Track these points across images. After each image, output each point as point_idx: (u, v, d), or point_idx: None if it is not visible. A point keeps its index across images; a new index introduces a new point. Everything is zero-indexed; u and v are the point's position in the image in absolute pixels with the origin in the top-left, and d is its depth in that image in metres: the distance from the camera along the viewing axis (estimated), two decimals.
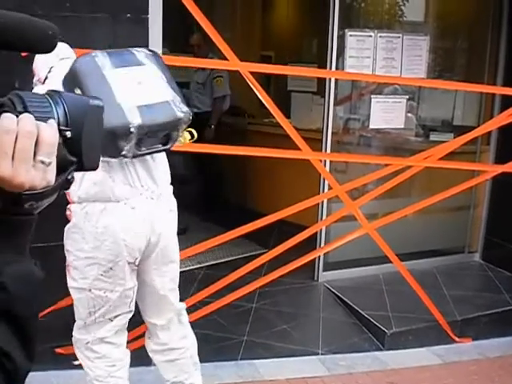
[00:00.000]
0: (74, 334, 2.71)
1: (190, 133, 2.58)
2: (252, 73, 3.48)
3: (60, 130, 0.86)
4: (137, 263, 2.59)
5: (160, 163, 2.62)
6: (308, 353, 3.95)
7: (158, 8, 3.28)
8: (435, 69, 5.29)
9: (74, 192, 2.45)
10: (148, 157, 2.52)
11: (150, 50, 2.53)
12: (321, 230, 4.75)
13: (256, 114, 7.08)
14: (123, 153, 2.31)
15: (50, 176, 0.84)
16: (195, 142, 3.69)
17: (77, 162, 0.94)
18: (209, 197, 6.55)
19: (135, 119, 2.26)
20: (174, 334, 2.82)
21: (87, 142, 0.97)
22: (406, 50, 4.82)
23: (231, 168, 6.42)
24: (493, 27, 5.33)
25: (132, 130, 2.25)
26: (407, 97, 5.01)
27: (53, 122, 0.82)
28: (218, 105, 6.31)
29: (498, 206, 5.39)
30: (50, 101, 0.87)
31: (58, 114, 0.87)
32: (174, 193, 5.55)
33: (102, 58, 2.33)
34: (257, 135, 6.46)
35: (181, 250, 3.48)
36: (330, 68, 4.61)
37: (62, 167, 0.89)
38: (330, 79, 4.65)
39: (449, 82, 5.09)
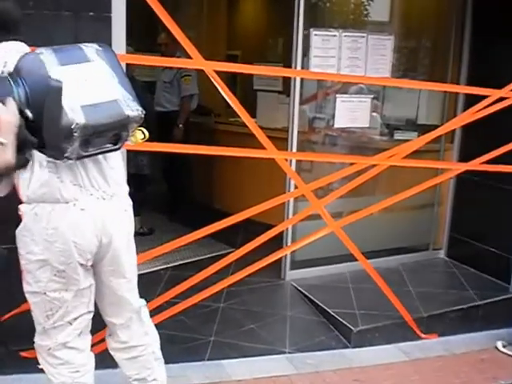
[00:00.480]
0: (35, 339, 2.65)
1: (142, 132, 2.52)
2: (218, 72, 3.46)
3: (21, 111, 0.84)
4: (89, 264, 2.54)
5: (113, 163, 2.55)
6: (275, 352, 3.94)
7: (122, 6, 3.24)
8: (400, 68, 5.34)
9: (23, 192, 2.39)
10: (100, 156, 2.45)
11: (101, 45, 2.43)
12: (287, 229, 4.77)
13: (222, 114, 7.08)
14: (66, 154, 2.22)
15: (8, 156, 0.83)
16: (163, 141, 3.69)
17: (38, 141, 0.93)
18: (176, 197, 6.52)
19: (79, 119, 2.16)
20: (135, 332, 2.78)
21: (48, 122, 0.95)
22: (371, 50, 4.85)
23: (198, 167, 6.41)
24: (456, 27, 5.39)
25: (75, 130, 2.16)
26: (372, 96, 5.05)
27: (11, 101, 0.80)
28: (186, 104, 6.28)
29: (461, 204, 5.47)
30: (11, 81, 0.85)
31: (18, 94, 0.86)
32: (140, 193, 5.54)
33: (47, 55, 2.22)
34: (224, 134, 6.46)
35: (147, 250, 3.49)
36: (295, 67, 4.62)
37: (23, 147, 0.87)
38: (295, 78, 4.66)
39: (413, 81, 5.14)
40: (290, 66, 4.68)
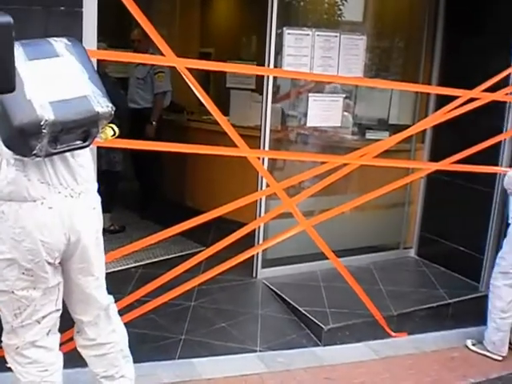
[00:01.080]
0: (2, 339, 2.62)
1: (112, 129, 2.49)
2: (191, 69, 3.45)
3: None
4: (57, 262, 2.51)
5: (82, 160, 2.52)
6: (246, 350, 3.94)
7: (93, 1, 3.19)
8: (372, 68, 5.37)
9: None
10: (68, 154, 2.42)
11: (70, 40, 2.39)
12: (259, 228, 4.77)
13: (195, 111, 7.05)
14: (34, 152, 2.20)
15: None
16: (136, 138, 3.66)
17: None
18: (148, 194, 6.48)
19: (47, 116, 2.14)
20: (102, 329, 2.77)
21: None
22: (344, 49, 4.87)
23: (171, 165, 6.38)
24: (428, 27, 5.44)
25: (44, 127, 2.14)
26: (344, 95, 5.08)
27: None
28: (159, 101, 6.24)
29: (432, 203, 5.52)
30: None
31: None
32: (112, 190, 5.50)
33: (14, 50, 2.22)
34: (196, 132, 6.44)
35: (118, 247, 3.46)
36: (268, 66, 4.62)
37: None
38: (268, 77, 4.66)
39: (385, 81, 5.18)
40: (263, 65, 4.68)
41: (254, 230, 4.68)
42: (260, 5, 4.65)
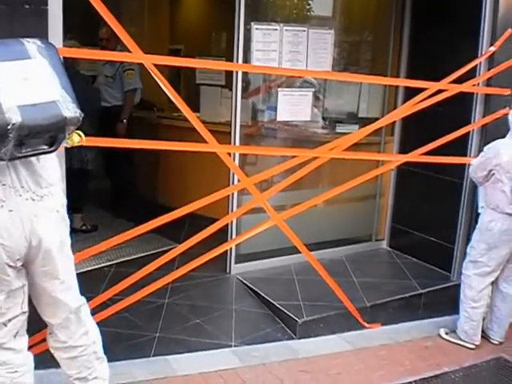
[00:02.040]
0: None
1: (79, 135, 2.48)
2: (161, 67, 3.44)
3: None
4: (18, 265, 2.49)
5: (46, 162, 2.50)
6: (221, 346, 3.95)
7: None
8: (340, 62, 5.40)
9: None
10: (33, 157, 2.40)
11: (43, 42, 2.37)
12: (232, 223, 4.77)
13: (166, 108, 7.02)
14: None
15: None
16: (106, 136, 3.63)
17: None
18: (120, 193, 6.44)
19: (14, 119, 2.12)
20: (74, 332, 2.74)
21: None
22: (312, 44, 4.88)
23: (142, 163, 6.34)
24: (395, 21, 5.49)
25: (10, 130, 2.12)
26: (313, 90, 5.09)
27: None
28: (129, 98, 6.20)
29: (402, 195, 5.58)
30: None
31: None
32: (83, 189, 5.46)
33: None
34: (167, 129, 6.41)
35: (90, 246, 3.44)
36: (237, 61, 4.61)
37: None
38: (237, 72, 4.66)
39: (354, 74, 5.20)
40: (232, 60, 4.68)
41: (227, 226, 4.69)
42: (228, 0, 4.65)
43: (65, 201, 2.62)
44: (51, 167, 2.53)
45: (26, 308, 2.61)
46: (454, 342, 4.29)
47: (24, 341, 2.66)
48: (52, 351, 2.82)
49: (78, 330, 2.76)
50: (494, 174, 4.03)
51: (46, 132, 2.28)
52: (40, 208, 2.46)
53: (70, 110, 2.29)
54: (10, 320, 2.54)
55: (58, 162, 2.62)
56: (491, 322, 4.31)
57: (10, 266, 2.45)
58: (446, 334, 4.37)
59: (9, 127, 2.12)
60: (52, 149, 2.36)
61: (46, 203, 2.48)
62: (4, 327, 2.54)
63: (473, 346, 4.23)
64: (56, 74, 2.31)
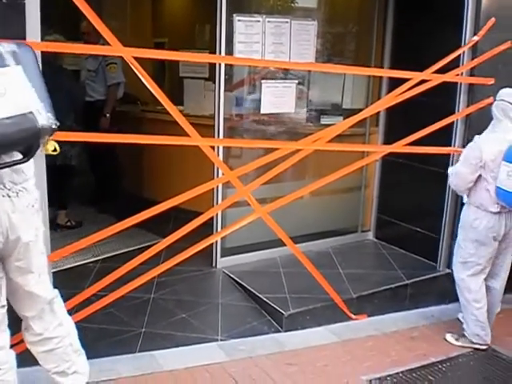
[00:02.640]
0: None
1: (53, 144, 2.46)
2: (145, 60, 3.41)
3: None
4: None
5: None
6: (208, 340, 3.94)
7: None
8: (324, 53, 5.38)
9: None
10: None
11: (20, 46, 2.32)
12: (216, 217, 4.75)
13: (150, 102, 6.97)
14: None
15: None
16: (90, 131, 3.60)
17: None
18: (105, 188, 6.40)
19: None
20: (48, 323, 2.77)
21: None
22: (295, 35, 4.86)
23: (126, 157, 6.30)
24: (379, 12, 5.49)
25: None
26: (297, 81, 5.08)
27: None
28: (112, 92, 6.15)
29: (387, 186, 5.58)
30: None
31: None
32: (67, 185, 5.42)
33: None
34: (151, 123, 6.37)
35: (73, 242, 3.41)
36: (220, 53, 4.58)
37: None
38: (219, 65, 4.63)
39: (337, 65, 5.18)
40: (215, 53, 4.64)
41: (212, 220, 4.67)
42: None
43: (38, 195, 2.63)
44: (26, 164, 2.51)
45: (3, 302, 2.62)
46: (467, 347, 4.16)
47: (6, 337, 2.66)
48: (29, 347, 2.84)
49: (53, 321, 2.79)
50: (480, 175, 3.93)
51: (20, 144, 2.29)
52: (16, 204, 2.47)
53: (45, 119, 2.27)
54: None
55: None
56: None
57: None
58: (457, 340, 4.23)
59: None
60: (26, 159, 2.36)
61: (21, 199, 2.49)
62: None
63: (486, 347, 4.14)
64: (32, 82, 2.28)
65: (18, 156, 2.35)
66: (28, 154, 2.35)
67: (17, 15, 3.02)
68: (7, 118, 2.18)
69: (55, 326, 2.78)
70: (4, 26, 2.99)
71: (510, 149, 3.74)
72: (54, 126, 2.31)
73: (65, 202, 5.57)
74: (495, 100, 3.98)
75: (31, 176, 2.58)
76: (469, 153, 3.95)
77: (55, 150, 2.47)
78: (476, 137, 3.98)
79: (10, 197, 2.44)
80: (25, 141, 2.29)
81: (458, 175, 4.02)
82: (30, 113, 2.24)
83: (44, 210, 3.25)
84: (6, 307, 2.65)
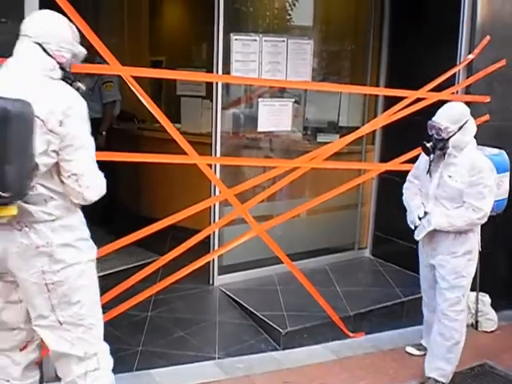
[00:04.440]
0: None
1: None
2: (142, 78, 3.43)
3: None
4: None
5: None
6: (205, 358, 3.92)
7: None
8: (320, 72, 5.43)
9: None
10: None
11: (16, 102, 2.22)
12: (214, 234, 4.76)
13: (147, 119, 7.00)
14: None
15: None
16: None
17: None
18: (103, 205, 6.38)
19: None
20: None
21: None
22: (291, 54, 4.91)
23: (123, 175, 6.30)
24: (374, 30, 5.54)
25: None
26: (293, 100, 5.11)
27: None
28: (109, 110, 6.17)
29: (384, 203, 5.59)
30: None
31: None
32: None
33: None
34: (148, 140, 6.38)
35: None
36: (217, 72, 4.62)
37: None
38: (217, 83, 4.66)
39: (333, 84, 5.24)
40: (212, 71, 4.68)
41: (209, 237, 4.67)
42: (208, 11, 4.65)
43: (57, 239, 2.55)
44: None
45: (19, 325, 2.63)
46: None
47: (29, 356, 2.67)
48: None
49: None
50: None
51: None
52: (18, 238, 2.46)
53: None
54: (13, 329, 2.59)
55: None
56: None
57: None
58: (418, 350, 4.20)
59: None
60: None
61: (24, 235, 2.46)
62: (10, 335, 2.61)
63: None
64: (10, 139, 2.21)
65: None
66: None
67: (15, 33, 3.04)
68: None
69: None
70: (3, 47, 3.01)
71: (496, 160, 3.81)
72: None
73: None
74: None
75: (47, 219, 2.48)
76: (492, 182, 3.61)
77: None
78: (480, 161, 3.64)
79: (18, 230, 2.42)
80: None
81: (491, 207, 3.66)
82: None
83: None
84: (25, 331, 2.65)
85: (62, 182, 2.46)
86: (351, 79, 5.61)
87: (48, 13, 2.52)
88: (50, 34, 2.45)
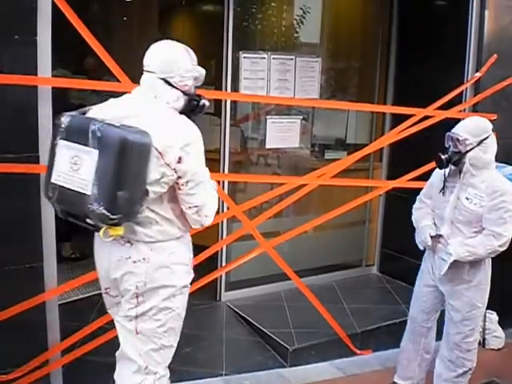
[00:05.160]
0: None
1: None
2: None
3: None
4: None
5: None
6: (212, 374, 3.92)
7: (47, 29, 3.16)
8: (328, 89, 5.46)
9: None
10: None
11: (104, 132, 2.29)
12: (222, 251, 4.77)
13: None
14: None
15: None
16: None
17: None
18: None
19: (51, 194, 2.42)
20: None
21: None
22: (299, 72, 4.94)
23: None
24: (382, 48, 5.58)
25: (51, 202, 2.47)
26: (301, 117, 5.14)
27: None
28: None
29: (392, 221, 5.59)
30: None
31: None
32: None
33: None
34: None
35: (80, 275, 3.43)
36: (226, 90, 4.65)
37: None
38: (225, 100, 4.69)
39: (341, 102, 5.26)
40: (221, 88, 4.72)
41: (217, 254, 4.68)
42: (217, 29, 4.70)
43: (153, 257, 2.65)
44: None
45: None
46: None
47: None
48: None
49: None
50: None
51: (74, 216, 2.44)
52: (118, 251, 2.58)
53: (95, 207, 2.28)
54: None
55: None
56: None
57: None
58: None
59: (49, 200, 2.42)
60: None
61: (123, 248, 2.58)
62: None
63: None
64: (98, 171, 2.28)
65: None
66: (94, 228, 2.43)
67: (29, 51, 3.08)
68: (68, 189, 2.31)
69: None
70: (16, 62, 3.05)
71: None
72: (99, 213, 2.30)
73: (69, 234, 5.58)
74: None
75: (147, 240, 2.56)
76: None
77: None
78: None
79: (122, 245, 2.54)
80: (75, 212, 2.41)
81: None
82: (85, 195, 2.28)
83: (51, 241, 3.31)
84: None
85: (171, 208, 2.57)
86: (359, 97, 5.64)
87: (166, 44, 2.67)
88: (173, 67, 2.57)
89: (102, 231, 2.35)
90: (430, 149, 4.62)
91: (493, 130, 4.52)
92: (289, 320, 4.57)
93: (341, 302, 4.96)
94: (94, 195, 2.26)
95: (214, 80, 5.05)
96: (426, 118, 4.42)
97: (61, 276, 3.45)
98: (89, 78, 5.84)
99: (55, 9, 3.13)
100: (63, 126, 2.37)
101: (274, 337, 4.31)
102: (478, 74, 4.65)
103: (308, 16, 5.32)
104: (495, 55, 4.63)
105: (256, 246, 4.13)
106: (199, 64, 2.73)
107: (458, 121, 4.66)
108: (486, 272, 3.51)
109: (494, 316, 4.79)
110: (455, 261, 3.38)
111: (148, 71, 2.60)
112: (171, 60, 2.59)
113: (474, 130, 3.39)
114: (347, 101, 5.37)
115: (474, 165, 3.37)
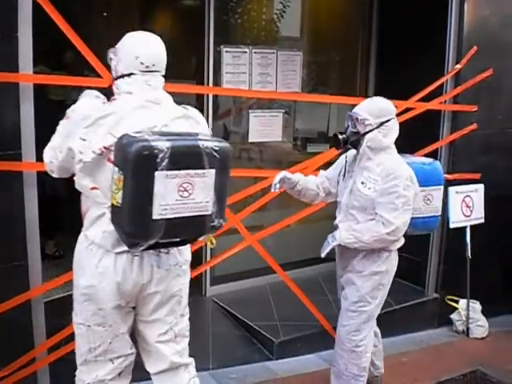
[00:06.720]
0: (76, 373, 2.66)
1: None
2: None
3: None
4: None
5: None
6: (198, 368, 3.83)
7: (28, 26, 3.12)
8: (310, 83, 5.47)
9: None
10: None
11: (218, 147, 2.30)
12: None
13: None
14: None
15: None
16: None
17: None
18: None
19: (158, 232, 2.33)
20: None
21: None
22: (281, 65, 4.95)
23: None
24: (363, 41, 5.60)
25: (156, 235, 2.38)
26: (283, 111, 5.14)
27: None
28: None
29: None
30: None
31: None
32: (56, 215, 5.38)
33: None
34: None
35: (64, 273, 3.41)
36: (207, 84, 4.65)
37: None
38: (207, 95, 4.69)
39: (323, 95, 5.27)
40: (203, 83, 4.71)
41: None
42: (198, 24, 4.69)
43: (189, 256, 2.72)
44: None
45: (134, 349, 2.75)
46: None
47: (126, 382, 2.74)
48: None
49: None
50: None
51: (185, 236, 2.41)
52: (163, 260, 2.55)
53: (215, 222, 2.34)
54: (118, 357, 2.65)
55: None
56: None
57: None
58: None
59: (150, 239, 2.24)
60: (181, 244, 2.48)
61: (170, 257, 2.56)
62: (111, 364, 2.63)
63: None
64: (216, 187, 2.30)
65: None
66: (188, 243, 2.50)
67: (10, 48, 3.06)
68: (181, 218, 2.24)
69: None
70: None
71: (425, 171, 3.56)
72: (218, 226, 2.37)
73: (53, 232, 5.55)
74: None
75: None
76: (410, 194, 3.21)
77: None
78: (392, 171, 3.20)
79: (160, 252, 2.50)
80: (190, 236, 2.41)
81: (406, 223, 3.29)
82: (205, 216, 2.29)
83: (35, 239, 3.29)
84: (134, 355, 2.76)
85: None
86: (340, 90, 5.64)
87: (155, 39, 2.70)
88: (165, 62, 2.65)
89: (211, 241, 2.57)
90: (410, 141, 4.68)
91: (473, 122, 4.60)
92: (274, 313, 4.59)
93: (325, 295, 4.97)
94: (214, 213, 2.30)
95: (195, 74, 5.05)
96: (407, 110, 4.45)
97: (44, 274, 3.43)
98: (68, 72, 5.81)
99: (35, 4, 3.10)
100: (163, 155, 2.12)
101: (259, 330, 4.33)
102: (458, 66, 4.69)
103: (288, 10, 5.32)
104: (475, 47, 4.67)
105: (241, 239, 4.13)
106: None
107: (438, 113, 4.76)
108: (384, 266, 3.36)
109: (477, 305, 4.85)
110: (348, 248, 3.31)
111: (154, 71, 2.56)
112: (165, 55, 2.65)
113: (375, 110, 3.22)
114: (329, 94, 5.37)
115: (371, 147, 3.19)
